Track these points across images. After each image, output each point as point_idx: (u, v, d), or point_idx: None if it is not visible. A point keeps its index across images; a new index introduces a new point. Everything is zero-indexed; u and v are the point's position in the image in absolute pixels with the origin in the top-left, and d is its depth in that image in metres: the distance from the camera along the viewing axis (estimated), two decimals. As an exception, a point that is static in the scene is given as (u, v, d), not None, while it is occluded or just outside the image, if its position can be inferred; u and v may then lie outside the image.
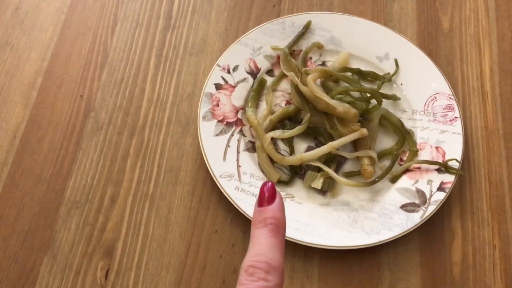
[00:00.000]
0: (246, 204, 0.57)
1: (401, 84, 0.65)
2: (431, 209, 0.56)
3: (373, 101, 0.61)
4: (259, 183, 0.59)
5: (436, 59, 0.68)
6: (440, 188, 0.58)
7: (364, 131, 0.58)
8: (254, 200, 0.57)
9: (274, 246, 0.31)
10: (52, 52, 0.68)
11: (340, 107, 0.58)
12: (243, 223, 0.58)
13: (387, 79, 0.64)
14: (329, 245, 0.55)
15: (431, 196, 0.57)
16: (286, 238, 0.54)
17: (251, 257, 0.30)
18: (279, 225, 0.32)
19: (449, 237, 0.58)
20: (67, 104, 0.64)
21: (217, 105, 0.62)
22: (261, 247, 0.30)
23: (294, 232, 0.55)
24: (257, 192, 0.58)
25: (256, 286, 0.28)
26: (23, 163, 0.61)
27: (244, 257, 0.30)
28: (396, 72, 0.65)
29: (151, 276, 0.55)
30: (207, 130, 0.60)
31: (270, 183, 0.34)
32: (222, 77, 0.64)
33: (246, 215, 0.56)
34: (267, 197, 0.33)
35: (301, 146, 0.62)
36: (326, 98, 0.59)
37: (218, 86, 0.63)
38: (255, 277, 0.29)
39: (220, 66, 0.64)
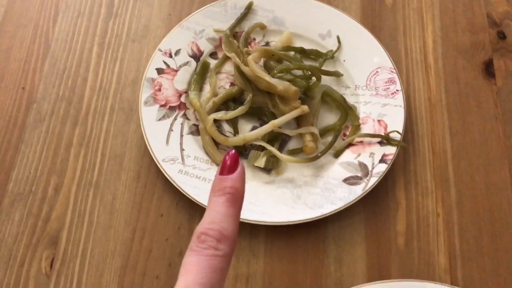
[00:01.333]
0: (190, 187, 0.57)
1: (344, 60, 0.65)
2: (373, 181, 0.57)
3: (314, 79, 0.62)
4: (203, 165, 0.59)
5: (380, 34, 0.69)
6: (382, 160, 0.58)
7: (305, 108, 0.59)
8: (198, 183, 0.57)
9: (229, 216, 0.31)
10: (-7, 45, 0.67)
11: (280, 85, 0.58)
12: (188, 206, 0.58)
13: (330, 56, 0.65)
14: (273, 221, 0.55)
15: (373, 168, 0.58)
16: (229, 217, 0.54)
17: (205, 224, 0.30)
18: (238, 196, 0.32)
19: (393, 208, 0.59)
20: (9, 97, 0.64)
21: (159, 89, 0.62)
22: (216, 216, 0.30)
23: (238, 212, 0.55)
24: (201, 174, 0.58)
25: (205, 254, 0.29)
26: (-35, 158, 0.60)
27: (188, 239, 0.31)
28: (338, 49, 0.65)
29: (96, 263, 0.55)
30: (149, 115, 0.60)
31: (233, 151, 0.33)
32: (164, 61, 0.63)
33: (191, 198, 0.56)
34: (228, 166, 0.33)
35: (246, 127, 0.62)
36: (267, 77, 0.59)
37: (159, 71, 0.63)
38: (206, 244, 0.29)
39: (161, 51, 0.64)
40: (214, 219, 0.30)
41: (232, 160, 0.33)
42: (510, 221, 0.58)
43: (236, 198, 0.32)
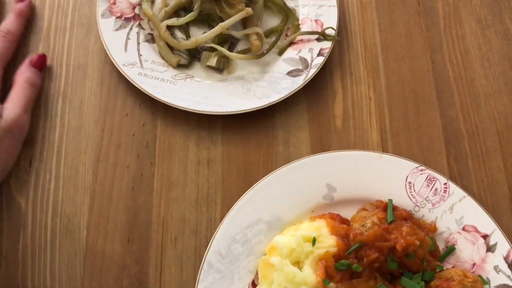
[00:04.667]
0: (150, 86, 0.63)
1: (283, -31, 0.72)
2: (312, 71, 0.65)
3: (256, -15, 0.68)
4: (160, 68, 0.65)
5: None
6: (320, 54, 0.66)
7: (249, 10, 0.65)
8: (157, 83, 0.63)
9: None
10: None
11: (225, -10, 0.65)
12: (151, 105, 0.64)
13: (270, -35, 0.71)
14: (227, 111, 0.62)
15: (312, 61, 0.66)
16: (189, 110, 0.61)
17: None
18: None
19: (331, 95, 0.67)
20: (-30, 19, 0.67)
21: (114, 3, 0.67)
22: None
23: (196, 105, 0.62)
24: (159, 76, 0.64)
25: None
26: None
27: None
28: (277, -41, 0.71)
29: (71, 159, 0.61)
30: (106, 26, 0.65)
31: None
32: (116, -23, 0.68)
33: (152, 96, 0.62)
34: None
35: (197, 33, 0.68)
36: (212, -16, 0.65)
37: (113, -14, 0.68)
38: None
39: (113, -33, 0.68)
40: None
41: None
42: (431, 101, 0.68)
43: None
